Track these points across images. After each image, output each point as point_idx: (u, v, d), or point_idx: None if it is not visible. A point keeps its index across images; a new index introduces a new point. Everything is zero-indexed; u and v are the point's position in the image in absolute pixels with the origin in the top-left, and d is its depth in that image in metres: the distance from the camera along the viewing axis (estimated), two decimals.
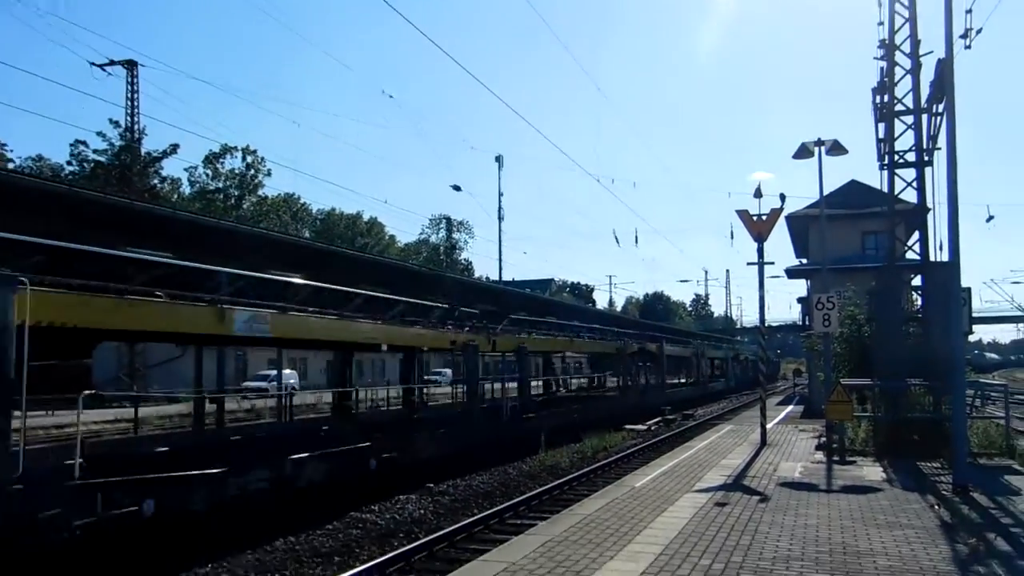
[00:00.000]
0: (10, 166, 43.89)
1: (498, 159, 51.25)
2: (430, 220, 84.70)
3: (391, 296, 18.61)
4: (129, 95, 41.40)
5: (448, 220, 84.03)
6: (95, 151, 46.55)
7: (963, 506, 9.13)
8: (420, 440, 16.91)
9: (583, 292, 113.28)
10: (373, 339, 16.66)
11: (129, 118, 42.18)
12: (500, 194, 50.76)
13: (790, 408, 30.91)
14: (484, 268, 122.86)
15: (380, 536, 11.23)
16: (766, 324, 18.35)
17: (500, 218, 50.57)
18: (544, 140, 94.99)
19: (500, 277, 52.25)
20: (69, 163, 48.59)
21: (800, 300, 40.92)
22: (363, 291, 17.13)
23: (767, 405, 17.80)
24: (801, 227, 33.44)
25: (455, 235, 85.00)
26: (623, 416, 28.32)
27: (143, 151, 46.02)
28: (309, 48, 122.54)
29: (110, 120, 44.66)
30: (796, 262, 38.34)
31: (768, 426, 17.19)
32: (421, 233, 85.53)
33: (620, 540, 7.71)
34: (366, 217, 79.73)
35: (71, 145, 47.36)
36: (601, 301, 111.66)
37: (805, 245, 35.53)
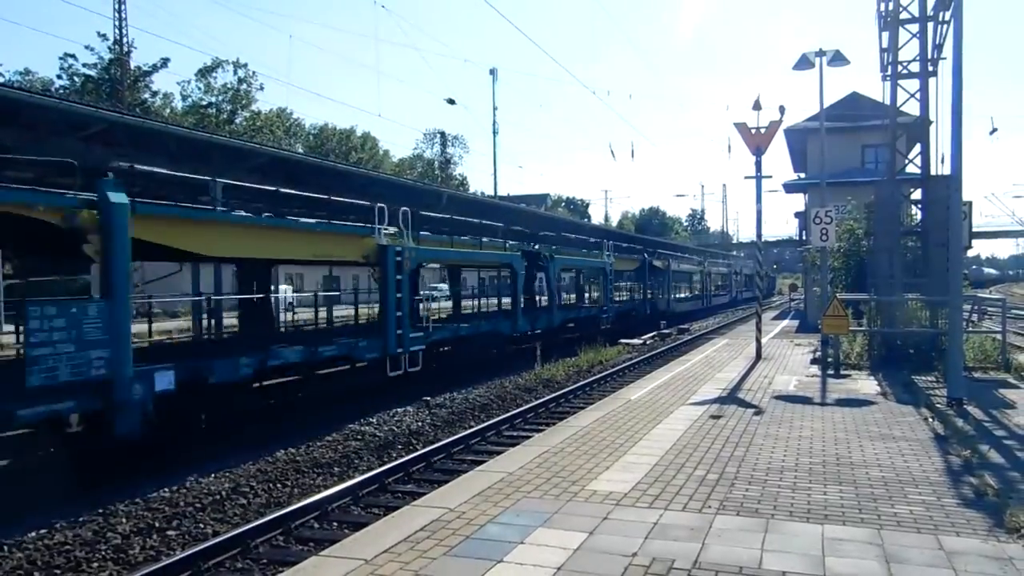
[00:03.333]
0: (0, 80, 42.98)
1: (492, 72, 50.10)
2: (424, 134, 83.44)
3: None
4: (116, 7, 40.21)
5: (442, 134, 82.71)
6: (85, 65, 45.50)
7: (957, 419, 9.20)
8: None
9: (579, 207, 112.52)
10: None
11: (117, 31, 41.20)
12: (495, 108, 50.10)
13: (785, 322, 31.17)
14: (479, 183, 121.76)
15: (379, 448, 11.38)
16: (762, 239, 18.19)
17: (495, 132, 49.88)
18: (539, 52, 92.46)
19: (495, 192, 51.85)
20: (59, 77, 47.51)
21: (797, 215, 40.65)
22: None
23: (763, 320, 17.86)
24: (800, 140, 32.88)
25: (449, 150, 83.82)
26: (619, 331, 28.52)
27: (133, 65, 44.92)
28: None
29: (98, 33, 43.53)
30: (794, 176, 37.85)
31: (763, 340, 17.31)
32: (415, 148, 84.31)
33: (615, 451, 7.78)
34: (359, 132, 78.37)
35: (60, 59, 46.38)
36: (596, 216, 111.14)
37: (804, 159, 34.98)
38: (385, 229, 14.89)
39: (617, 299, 33.31)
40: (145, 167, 10.88)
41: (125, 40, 41.87)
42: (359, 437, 11.95)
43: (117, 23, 40.80)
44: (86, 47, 45.15)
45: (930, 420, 9.20)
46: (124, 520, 8.10)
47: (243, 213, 12.30)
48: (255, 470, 10.03)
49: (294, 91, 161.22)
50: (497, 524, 5.58)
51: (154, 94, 50.16)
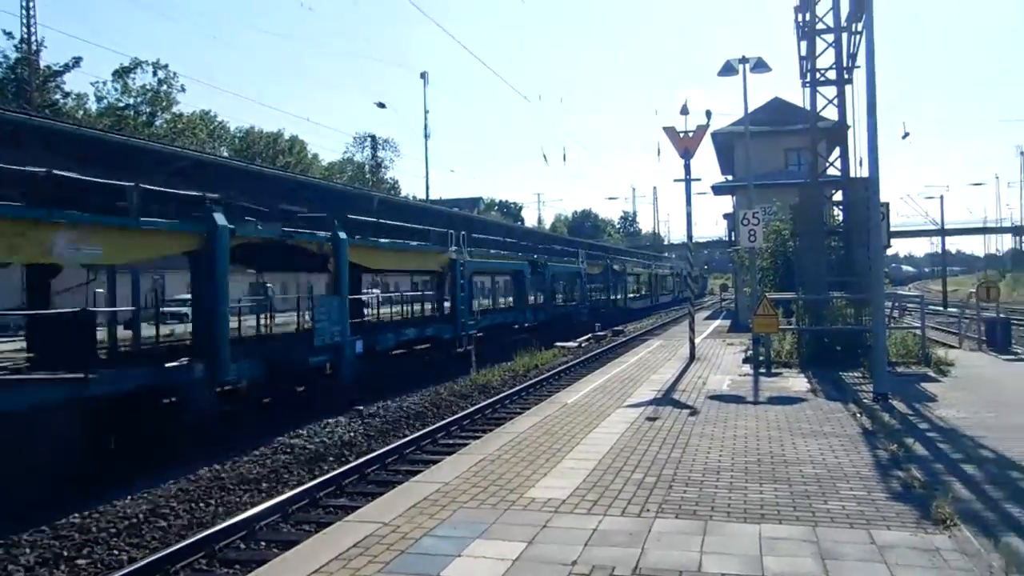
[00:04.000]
0: None
1: (423, 76, 49.76)
2: (354, 138, 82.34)
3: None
4: (24, 3, 38.26)
5: (373, 138, 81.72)
6: None
7: (883, 413, 9.45)
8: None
9: (512, 210, 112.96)
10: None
11: (25, 29, 39.13)
12: (426, 111, 50.43)
13: (718, 322, 31.81)
14: (411, 187, 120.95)
15: (309, 460, 11.01)
16: (693, 240, 18.46)
17: (426, 136, 50.28)
18: (471, 56, 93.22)
19: (427, 196, 51.51)
20: None
21: (726, 216, 41.73)
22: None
23: (696, 320, 18.11)
24: (726, 144, 33.70)
25: (380, 153, 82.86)
26: (553, 334, 28.59)
27: (43, 64, 42.71)
28: None
29: (3, 31, 41.29)
30: (722, 179, 38.81)
31: (696, 341, 17.53)
32: (345, 152, 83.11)
33: (553, 457, 7.68)
34: (287, 135, 76.71)
35: None
36: (530, 219, 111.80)
37: (731, 161, 35.89)
38: (453, 247, 21.26)
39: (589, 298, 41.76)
40: (355, 217, 16.99)
41: (34, 38, 39.93)
42: (288, 450, 11.53)
43: (25, 20, 38.86)
44: None
45: (858, 416, 9.41)
46: (28, 551, 7.47)
47: (389, 240, 18.16)
48: (176, 490, 9.50)
49: (218, 93, 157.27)
50: (433, 537, 5.39)
51: (66, 95, 47.90)
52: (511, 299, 32.05)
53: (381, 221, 18.34)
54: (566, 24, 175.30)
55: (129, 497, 9.11)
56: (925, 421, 9.14)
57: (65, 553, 7.44)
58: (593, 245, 53.38)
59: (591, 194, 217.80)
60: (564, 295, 38.27)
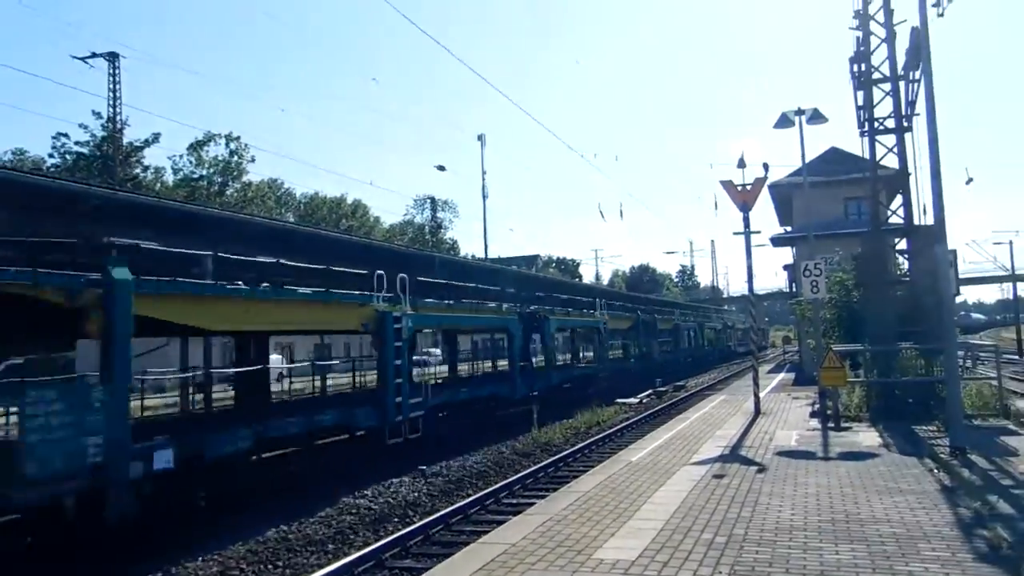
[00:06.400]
0: None
1: (480, 138, 50.70)
2: (414, 200, 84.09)
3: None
4: (111, 86, 41.02)
5: (432, 200, 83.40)
6: (77, 143, 45.76)
7: (962, 469, 9.07)
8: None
9: (569, 267, 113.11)
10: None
11: (111, 109, 41.80)
12: (483, 172, 50.37)
13: (782, 375, 31.09)
14: (470, 246, 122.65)
15: (374, 521, 11.05)
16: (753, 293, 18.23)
17: (484, 196, 50.42)
18: (527, 117, 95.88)
19: (486, 255, 51.93)
20: (51, 156, 47.48)
21: (786, 267, 41.15)
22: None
23: (759, 373, 17.76)
24: (784, 195, 33.56)
25: (440, 214, 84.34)
26: (614, 390, 28.30)
27: (126, 141, 45.28)
28: (293, 37, 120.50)
29: (93, 112, 43.85)
30: (780, 230, 38.41)
31: (761, 395, 17.16)
32: (405, 214, 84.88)
33: (620, 516, 7.60)
34: (350, 200, 78.95)
35: (53, 138, 46.48)
36: (588, 275, 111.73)
37: (789, 213, 35.61)
38: (383, 296, 14.91)
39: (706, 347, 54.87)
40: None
41: (119, 117, 42.47)
42: (353, 511, 11.60)
43: (111, 102, 41.48)
44: (80, 125, 45.18)
45: (935, 471, 9.07)
46: None
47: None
48: (244, 551, 9.58)
49: (286, 162, 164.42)
50: None
51: (145, 169, 50.39)
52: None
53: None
54: (619, 83, 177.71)
55: (200, 559, 9.25)
56: (1008, 477, 8.72)
57: None
58: (698, 306, 67.38)
59: (649, 249, 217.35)
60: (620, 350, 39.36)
